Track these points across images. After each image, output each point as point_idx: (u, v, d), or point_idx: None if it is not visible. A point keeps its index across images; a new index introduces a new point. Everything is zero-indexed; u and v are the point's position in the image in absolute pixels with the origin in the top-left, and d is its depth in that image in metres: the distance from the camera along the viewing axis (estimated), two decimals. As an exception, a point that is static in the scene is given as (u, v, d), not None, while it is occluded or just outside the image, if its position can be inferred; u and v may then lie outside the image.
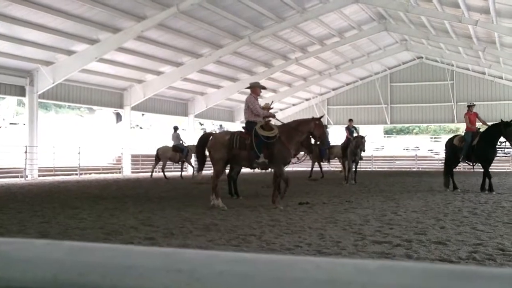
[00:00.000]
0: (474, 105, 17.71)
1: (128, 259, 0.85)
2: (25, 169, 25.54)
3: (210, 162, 12.60)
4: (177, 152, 26.55)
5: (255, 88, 12.56)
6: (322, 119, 12.75)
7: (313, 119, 12.37)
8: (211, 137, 12.46)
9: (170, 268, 0.82)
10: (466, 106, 17.60)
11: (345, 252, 6.30)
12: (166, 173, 26.39)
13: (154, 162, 27.40)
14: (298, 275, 0.76)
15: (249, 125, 12.06)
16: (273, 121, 13.11)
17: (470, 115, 16.78)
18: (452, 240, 6.98)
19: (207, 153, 12.69)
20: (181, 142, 26.89)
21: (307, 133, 12.26)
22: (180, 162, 27.38)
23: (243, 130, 12.35)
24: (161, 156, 26.56)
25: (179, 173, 27.73)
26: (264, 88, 13.63)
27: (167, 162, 27.18)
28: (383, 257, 5.96)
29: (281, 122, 13.23)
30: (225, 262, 0.82)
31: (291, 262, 0.80)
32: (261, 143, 11.63)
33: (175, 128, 27.94)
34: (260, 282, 0.77)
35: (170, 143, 27.14)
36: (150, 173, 27.11)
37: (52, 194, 15.66)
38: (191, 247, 6.68)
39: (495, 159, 16.36)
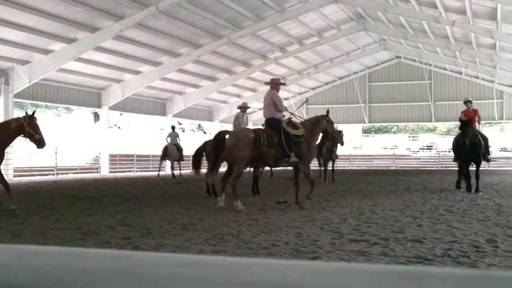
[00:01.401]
0: (471, 101, 16.44)
1: (78, 262, 0.84)
2: None
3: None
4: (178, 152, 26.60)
5: (278, 85, 11.97)
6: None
7: (324, 116, 12.23)
8: (230, 135, 11.45)
9: (120, 271, 0.80)
10: (463, 103, 16.52)
11: (322, 250, 6.31)
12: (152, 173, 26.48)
13: (160, 161, 27.35)
14: (248, 278, 0.75)
15: (273, 122, 11.46)
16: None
17: (469, 113, 15.69)
18: (428, 238, 7.03)
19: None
20: (178, 141, 26.86)
21: (322, 130, 12.02)
22: (176, 162, 27.27)
23: (264, 128, 11.63)
24: (169, 154, 26.47)
25: (157, 173, 27.71)
26: (284, 84, 12.97)
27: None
28: (360, 256, 5.99)
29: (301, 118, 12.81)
30: (175, 265, 0.81)
31: (242, 264, 0.80)
32: (291, 141, 11.19)
33: (173, 128, 28.20)
34: (209, 285, 0.76)
35: (164, 143, 27.14)
36: (157, 172, 27.09)
37: (28, 194, 15.49)
38: (169, 246, 6.66)
39: None
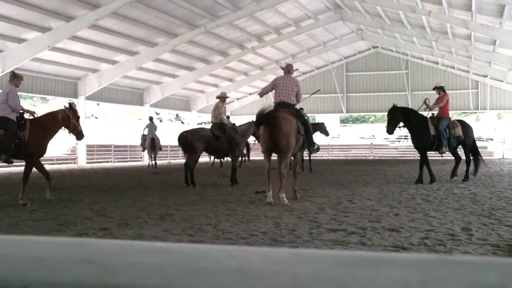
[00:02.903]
0: (437, 86, 15.70)
1: (38, 251, 0.83)
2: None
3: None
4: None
5: (293, 71, 11.39)
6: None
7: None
8: (283, 121, 10.14)
9: (82, 259, 0.80)
10: (441, 88, 15.57)
11: (300, 240, 6.34)
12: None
13: (149, 152, 27.28)
14: (210, 264, 0.76)
15: (295, 110, 10.89)
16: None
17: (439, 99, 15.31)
18: (405, 227, 7.10)
19: None
20: (155, 132, 26.81)
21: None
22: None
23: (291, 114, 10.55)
24: (156, 146, 26.56)
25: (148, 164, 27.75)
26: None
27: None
28: (337, 245, 6.02)
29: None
30: (138, 253, 0.81)
31: (204, 251, 0.80)
32: (310, 131, 11.03)
33: (151, 119, 28.09)
34: (172, 272, 0.76)
35: (141, 133, 27.19)
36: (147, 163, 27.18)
37: (3, 186, 15.30)
38: (146, 237, 6.63)
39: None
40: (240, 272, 0.73)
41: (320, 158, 38.39)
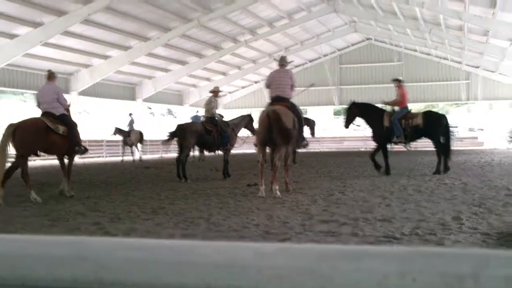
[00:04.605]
0: (396, 79, 15.93)
1: (35, 249, 0.86)
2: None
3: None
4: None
5: (287, 64, 11.46)
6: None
7: None
8: (281, 112, 10.07)
9: (77, 256, 0.83)
10: (397, 80, 15.82)
11: (292, 232, 6.36)
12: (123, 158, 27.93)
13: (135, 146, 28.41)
14: (198, 260, 0.78)
15: (292, 104, 10.89)
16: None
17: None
18: (397, 217, 7.14)
19: None
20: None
21: None
22: (128, 147, 27.89)
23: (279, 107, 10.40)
24: (142, 140, 27.84)
25: (129, 158, 28.17)
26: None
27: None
28: (329, 236, 6.05)
29: None
30: (128, 249, 0.84)
31: (192, 246, 0.83)
32: (302, 127, 11.24)
33: (130, 114, 28.88)
34: (161, 267, 0.79)
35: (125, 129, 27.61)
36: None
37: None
38: (139, 231, 6.65)
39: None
40: (228, 267, 0.76)
41: (313, 150, 38.41)
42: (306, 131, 20.05)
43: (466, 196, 9.38)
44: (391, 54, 46.16)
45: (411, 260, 0.72)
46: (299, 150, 21.43)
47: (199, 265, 0.77)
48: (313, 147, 37.86)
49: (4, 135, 9.90)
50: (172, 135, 14.53)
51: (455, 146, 29.99)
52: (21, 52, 24.75)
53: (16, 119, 10.51)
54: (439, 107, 51.20)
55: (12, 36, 24.35)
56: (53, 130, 10.26)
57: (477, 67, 42.64)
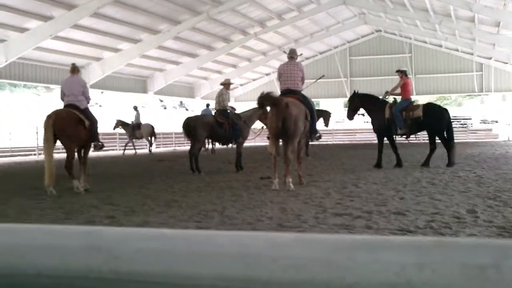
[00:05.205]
0: (400, 70, 15.60)
1: (48, 239, 0.86)
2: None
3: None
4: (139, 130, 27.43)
5: (296, 57, 11.42)
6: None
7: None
8: (291, 104, 10.13)
9: (90, 246, 0.83)
10: (400, 71, 15.44)
11: (306, 225, 6.36)
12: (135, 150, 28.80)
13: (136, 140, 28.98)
14: (213, 250, 0.78)
15: (302, 96, 10.96)
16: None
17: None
18: (411, 210, 7.11)
19: None
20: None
21: None
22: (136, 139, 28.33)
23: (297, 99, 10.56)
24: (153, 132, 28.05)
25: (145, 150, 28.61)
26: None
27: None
28: (343, 229, 6.05)
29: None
30: (142, 239, 0.84)
31: (207, 237, 0.82)
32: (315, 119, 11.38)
33: (135, 108, 28.94)
34: (176, 258, 0.79)
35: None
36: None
37: (10, 175, 15.37)
38: (153, 224, 6.67)
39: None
40: (243, 257, 0.76)
41: (325, 143, 38.35)
42: (320, 121, 20.10)
43: (480, 189, 9.33)
44: (401, 46, 45.91)
45: (430, 251, 0.71)
46: (312, 143, 21.50)
47: (214, 255, 0.77)
48: (324, 139, 37.78)
49: (45, 127, 9.98)
50: (184, 129, 14.50)
51: (467, 138, 29.86)
52: (31, 45, 24.83)
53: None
54: (451, 99, 50.89)
55: (22, 30, 24.43)
56: (83, 123, 10.36)
57: (490, 58, 42.32)
